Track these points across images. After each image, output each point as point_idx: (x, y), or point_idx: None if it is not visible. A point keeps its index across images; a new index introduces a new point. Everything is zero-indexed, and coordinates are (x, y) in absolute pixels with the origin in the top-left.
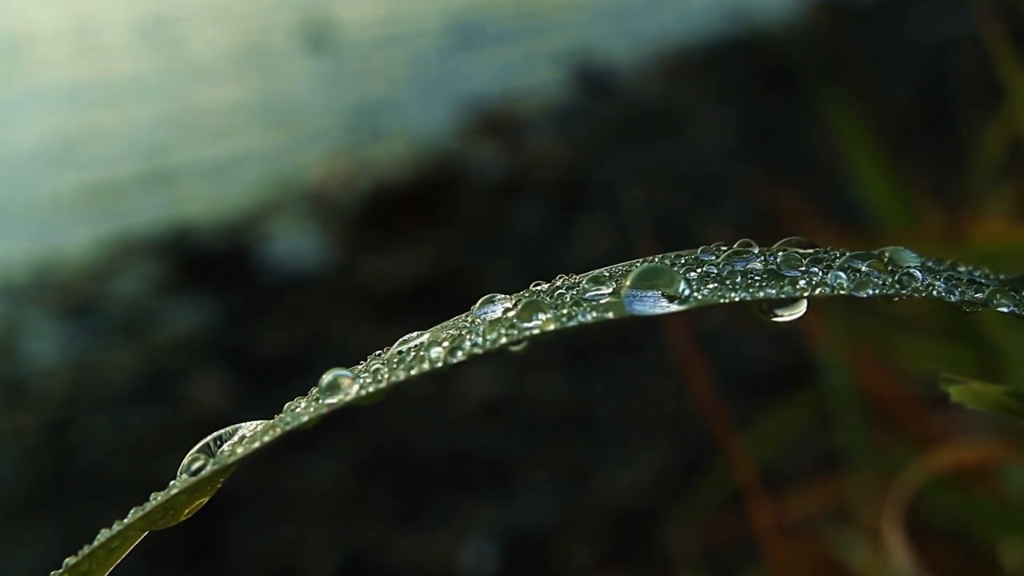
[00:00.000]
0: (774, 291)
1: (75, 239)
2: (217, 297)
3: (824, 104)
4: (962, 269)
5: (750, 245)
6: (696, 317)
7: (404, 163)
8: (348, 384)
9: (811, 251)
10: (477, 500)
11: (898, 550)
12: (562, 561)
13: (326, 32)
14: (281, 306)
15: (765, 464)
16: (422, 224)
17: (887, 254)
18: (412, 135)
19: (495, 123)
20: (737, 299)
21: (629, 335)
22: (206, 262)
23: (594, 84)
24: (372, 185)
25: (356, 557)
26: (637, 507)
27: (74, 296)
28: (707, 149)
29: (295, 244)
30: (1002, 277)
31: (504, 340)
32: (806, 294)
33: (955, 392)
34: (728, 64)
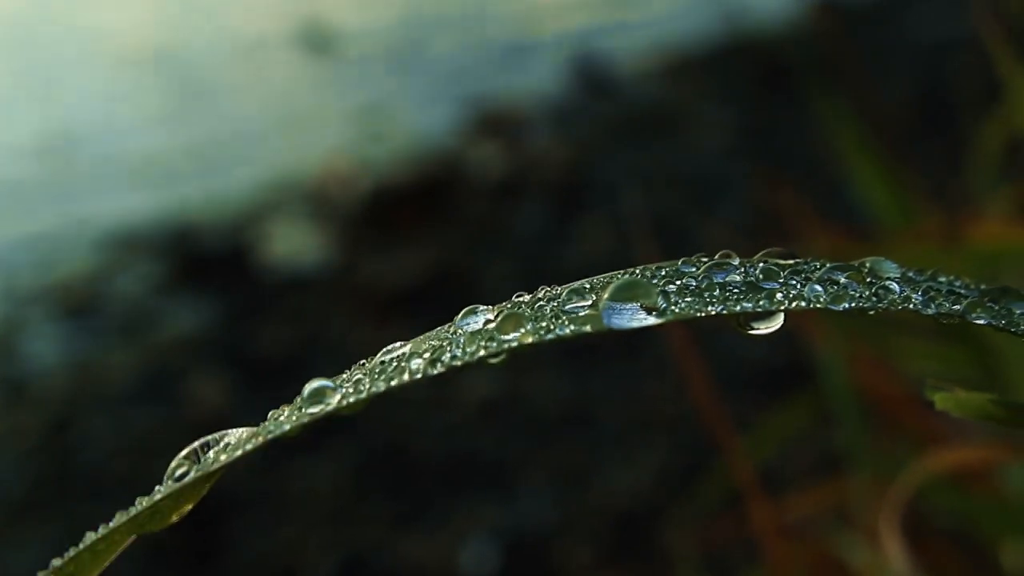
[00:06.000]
0: (750, 305)
1: (71, 237)
2: (217, 297)
3: (823, 104)
4: (943, 279)
5: (730, 257)
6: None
7: (404, 163)
8: (330, 394)
9: (791, 262)
10: (477, 501)
11: (895, 550)
12: (562, 561)
13: (326, 33)
14: (281, 306)
15: (765, 465)
16: (422, 224)
17: (868, 265)
18: (412, 135)
19: (495, 123)
20: (714, 313)
21: (628, 337)
22: (206, 262)
23: (594, 84)
24: (372, 185)
25: (356, 558)
26: (636, 508)
27: (74, 296)
28: (707, 149)
29: (295, 244)
30: (983, 287)
31: (483, 353)
32: (783, 308)
33: (940, 400)
34: (728, 64)
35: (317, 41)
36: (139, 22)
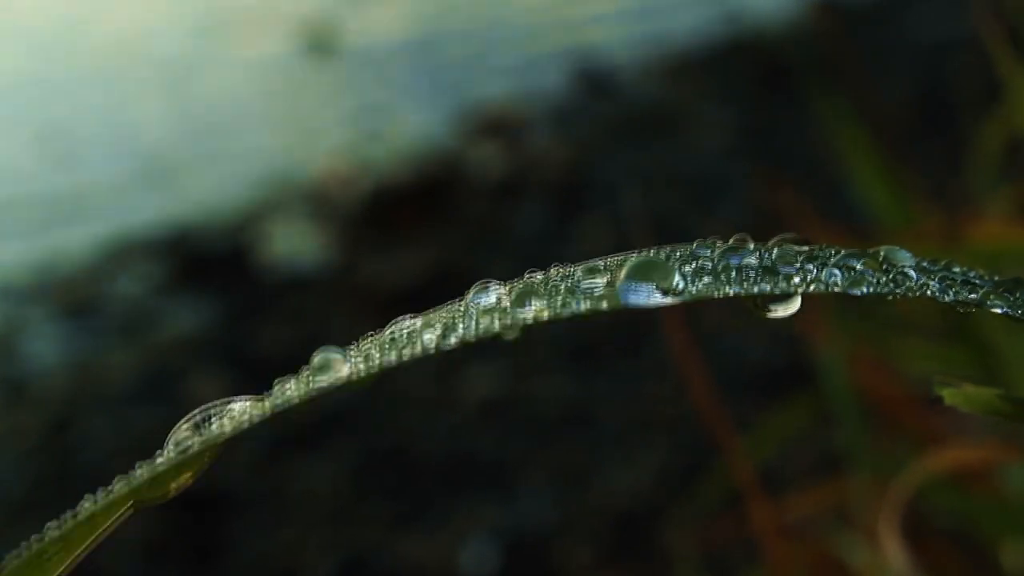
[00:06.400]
0: (768, 287)
1: (73, 239)
2: (217, 297)
3: (823, 104)
4: (957, 270)
5: (745, 240)
6: (694, 318)
7: (404, 163)
8: (339, 365)
9: (806, 248)
10: (477, 501)
11: (895, 550)
12: (562, 561)
13: (328, 34)
14: (281, 306)
15: (765, 465)
16: (422, 224)
17: (882, 253)
18: (412, 135)
19: (495, 123)
20: (731, 293)
21: (628, 336)
22: (206, 262)
23: (594, 84)
24: (372, 185)
25: (356, 558)
26: (636, 508)
27: (74, 296)
28: (707, 149)
29: (295, 244)
30: (996, 279)
31: (497, 327)
32: (800, 290)
33: (948, 395)
34: (728, 64)
35: (319, 42)
36: (139, 22)
